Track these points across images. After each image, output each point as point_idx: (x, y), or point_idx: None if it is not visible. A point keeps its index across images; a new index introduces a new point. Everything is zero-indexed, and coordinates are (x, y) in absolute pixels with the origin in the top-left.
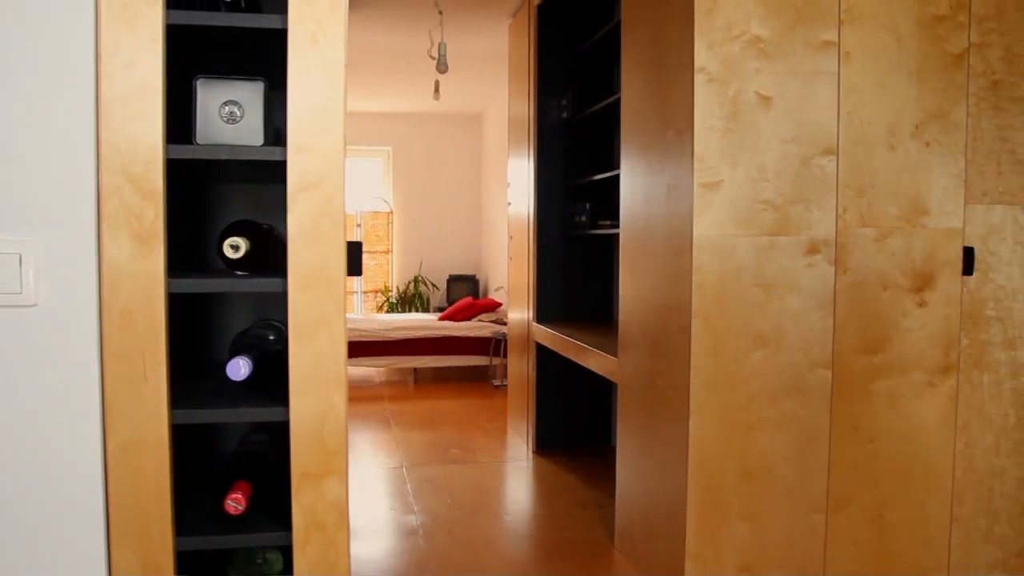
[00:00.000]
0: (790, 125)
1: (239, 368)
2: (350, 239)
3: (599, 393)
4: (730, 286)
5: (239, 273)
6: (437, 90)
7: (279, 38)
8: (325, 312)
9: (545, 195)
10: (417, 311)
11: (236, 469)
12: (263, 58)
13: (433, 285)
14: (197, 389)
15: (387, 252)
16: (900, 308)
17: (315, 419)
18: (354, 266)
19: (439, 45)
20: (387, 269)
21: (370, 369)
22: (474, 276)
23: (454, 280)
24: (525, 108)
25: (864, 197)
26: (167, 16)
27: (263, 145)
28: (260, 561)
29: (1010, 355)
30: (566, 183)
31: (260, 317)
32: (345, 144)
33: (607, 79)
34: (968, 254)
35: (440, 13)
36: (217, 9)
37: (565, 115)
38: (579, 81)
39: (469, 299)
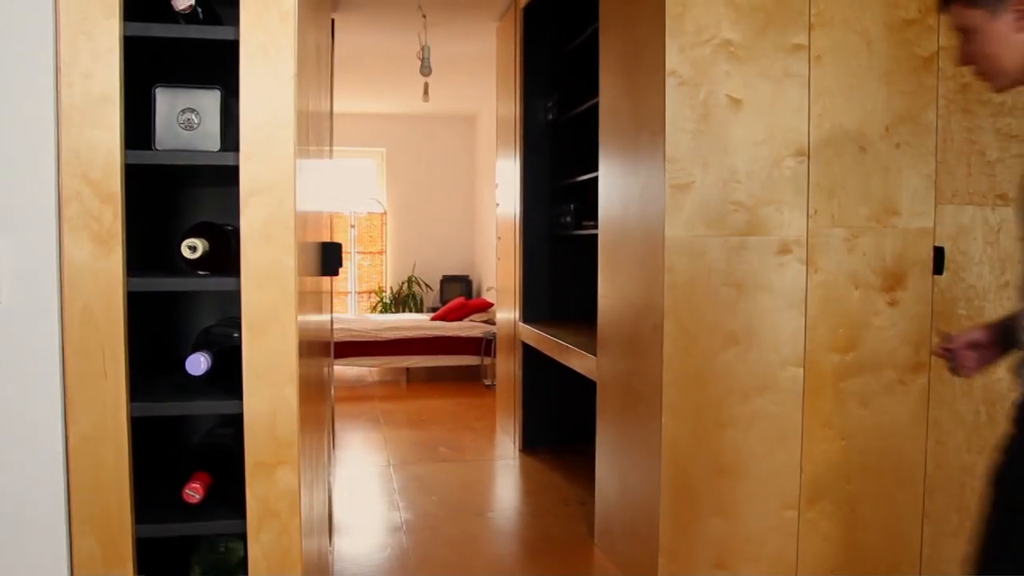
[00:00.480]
0: (761, 127)
1: (199, 363)
2: (333, 240)
3: (584, 392)
4: (702, 286)
5: (200, 273)
6: (426, 92)
7: (233, 49)
8: (277, 310)
9: (532, 196)
10: (411, 311)
11: (199, 461)
12: (222, 67)
13: (427, 285)
14: (160, 384)
15: (381, 253)
16: (871, 307)
17: (268, 412)
18: (331, 266)
19: (423, 48)
20: (381, 270)
21: (363, 369)
22: (467, 276)
23: (447, 280)
24: (512, 109)
25: (835, 198)
26: (125, 28)
27: (219, 151)
28: (222, 549)
29: None
30: (552, 184)
31: (226, 315)
32: (296, 150)
33: (592, 81)
34: (938, 254)
35: (424, 16)
36: (176, 21)
37: (551, 116)
38: (565, 83)
39: (461, 299)
